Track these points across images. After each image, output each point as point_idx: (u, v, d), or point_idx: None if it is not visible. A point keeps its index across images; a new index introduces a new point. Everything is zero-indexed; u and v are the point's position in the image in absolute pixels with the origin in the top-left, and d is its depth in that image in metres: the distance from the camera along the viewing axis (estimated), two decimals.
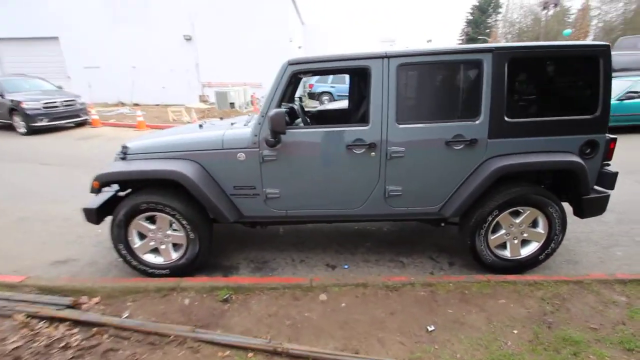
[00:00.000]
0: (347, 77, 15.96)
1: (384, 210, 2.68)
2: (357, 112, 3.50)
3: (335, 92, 14.87)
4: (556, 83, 2.55)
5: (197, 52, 15.75)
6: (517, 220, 2.64)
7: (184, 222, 2.59)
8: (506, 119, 2.44)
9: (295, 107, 3.53)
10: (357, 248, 3.23)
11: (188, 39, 15.65)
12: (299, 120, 3.41)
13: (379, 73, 2.43)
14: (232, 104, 12.55)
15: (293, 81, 2.60)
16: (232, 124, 3.05)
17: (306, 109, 4.02)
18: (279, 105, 2.51)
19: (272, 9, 14.90)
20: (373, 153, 2.51)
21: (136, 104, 15.36)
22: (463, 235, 2.73)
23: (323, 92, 15.24)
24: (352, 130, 2.52)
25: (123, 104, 15.39)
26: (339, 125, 2.59)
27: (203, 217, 2.66)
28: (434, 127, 2.48)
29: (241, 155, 2.56)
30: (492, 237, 2.67)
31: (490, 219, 2.59)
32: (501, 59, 2.38)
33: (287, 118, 2.52)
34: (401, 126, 2.48)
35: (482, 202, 2.55)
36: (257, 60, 14.73)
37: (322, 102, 14.65)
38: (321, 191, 2.64)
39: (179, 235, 2.67)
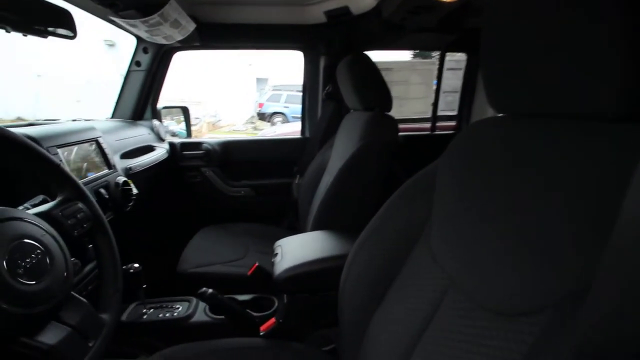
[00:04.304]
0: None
1: None
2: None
3: (289, 113, 13.28)
4: None
5: (121, 60, 13.20)
6: None
7: None
8: None
9: None
10: None
11: (111, 44, 13.04)
12: None
13: None
14: None
15: None
16: None
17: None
18: None
19: None
20: None
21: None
22: None
23: (275, 113, 13.55)
24: None
25: (22, 121, 12.16)
26: None
27: None
28: None
29: None
30: None
31: None
32: None
33: None
34: None
35: None
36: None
37: (273, 124, 12.96)
38: None
39: None
